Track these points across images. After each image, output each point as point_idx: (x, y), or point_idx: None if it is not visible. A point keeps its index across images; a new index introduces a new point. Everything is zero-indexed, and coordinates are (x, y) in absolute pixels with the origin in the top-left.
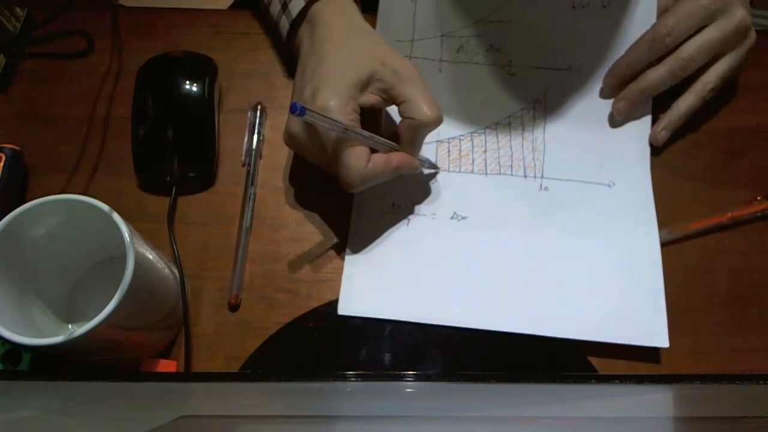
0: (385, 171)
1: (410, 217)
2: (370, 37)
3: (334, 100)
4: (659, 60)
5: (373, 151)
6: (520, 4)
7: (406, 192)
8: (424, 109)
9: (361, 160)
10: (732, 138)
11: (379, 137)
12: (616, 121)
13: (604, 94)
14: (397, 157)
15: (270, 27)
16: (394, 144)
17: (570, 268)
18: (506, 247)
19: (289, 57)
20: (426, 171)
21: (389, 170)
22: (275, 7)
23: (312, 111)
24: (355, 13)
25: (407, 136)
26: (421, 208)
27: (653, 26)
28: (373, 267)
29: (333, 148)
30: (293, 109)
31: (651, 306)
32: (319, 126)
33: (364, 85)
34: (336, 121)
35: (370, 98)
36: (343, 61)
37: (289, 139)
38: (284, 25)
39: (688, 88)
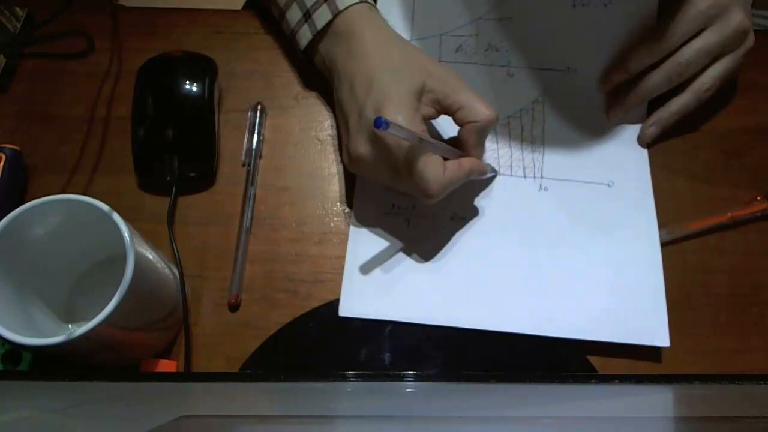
0: (459, 176)
1: (410, 218)
2: (409, 48)
3: (402, 114)
4: (656, 63)
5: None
6: (521, 0)
7: (406, 193)
8: (483, 111)
9: (438, 170)
10: (732, 138)
11: (448, 146)
12: (614, 120)
13: (601, 97)
14: (467, 162)
15: (285, 33)
16: (460, 151)
17: (570, 268)
18: (507, 248)
19: (290, 58)
20: (488, 175)
21: (462, 175)
22: (294, 14)
23: (395, 124)
24: (384, 23)
25: (472, 141)
26: (421, 209)
27: (650, 31)
28: (374, 268)
29: (407, 161)
30: (378, 123)
31: (651, 305)
32: (395, 140)
33: (419, 97)
34: (415, 132)
35: (427, 110)
36: (395, 74)
37: (354, 162)
38: (305, 34)
39: (685, 87)
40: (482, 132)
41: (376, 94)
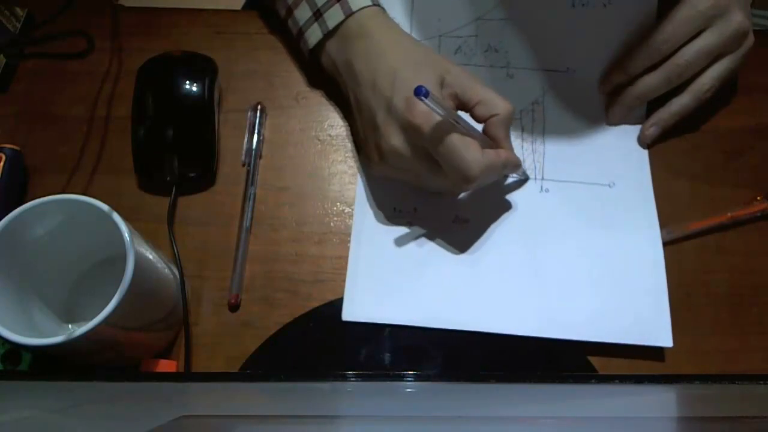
0: (497, 164)
1: (412, 221)
2: (425, 47)
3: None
4: (655, 64)
5: None
6: (520, 1)
7: (408, 196)
8: (501, 104)
9: (477, 151)
10: (732, 138)
11: (483, 135)
12: (614, 121)
13: (601, 98)
14: (504, 153)
15: (291, 32)
16: (493, 143)
17: (573, 269)
18: (509, 250)
19: (290, 58)
20: (516, 177)
21: (500, 163)
22: (303, 13)
23: (435, 96)
24: (397, 25)
25: (500, 134)
26: (422, 212)
27: (650, 32)
28: (376, 272)
29: (443, 143)
30: (418, 91)
31: (654, 305)
32: (430, 124)
33: (439, 89)
34: (452, 110)
35: (449, 103)
36: (416, 68)
37: (387, 157)
38: (314, 33)
39: (685, 88)
40: (506, 124)
41: (403, 86)
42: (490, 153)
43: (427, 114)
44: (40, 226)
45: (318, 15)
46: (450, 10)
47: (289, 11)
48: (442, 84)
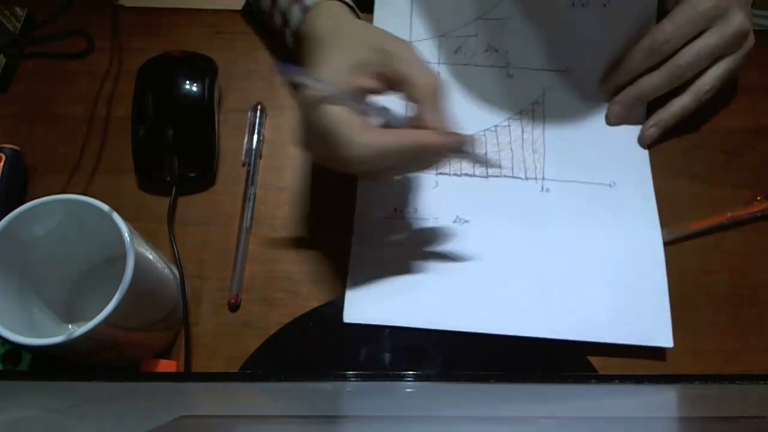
0: (395, 146)
1: (413, 221)
2: (361, 28)
3: (325, 76)
4: (656, 64)
5: None
6: (520, 1)
7: (409, 197)
8: (421, 81)
9: (366, 131)
10: (732, 138)
11: (391, 109)
12: (614, 122)
13: (601, 97)
14: (415, 134)
15: (279, 38)
16: (411, 119)
17: (573, 269)
18: (509, 250)
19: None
20: (484, 168)
21: (401, 145)
22: (277, 19)
23: (298, 68)
24: (344, 11)
25: (424, 117)
26: (423, 213)
27: (650, 33)
28: (377, 274)
29: (319, 124)
30: (276, 67)
31: (654, 305)
32: (321, 105)
33: (356, 69)
34: (326, 82)
35: (366, 81)
36: (332, 55)
37: (304, 150)
38: (288, 36)
39: (685, 88)
40: (430, 102)
41: (311, 68)
42: (388, 133)
43: (310, 95)
44: (40, 226)
45: (285, 19)
46: (450, 10)
47: (270, 16)
48: (362, 63)
